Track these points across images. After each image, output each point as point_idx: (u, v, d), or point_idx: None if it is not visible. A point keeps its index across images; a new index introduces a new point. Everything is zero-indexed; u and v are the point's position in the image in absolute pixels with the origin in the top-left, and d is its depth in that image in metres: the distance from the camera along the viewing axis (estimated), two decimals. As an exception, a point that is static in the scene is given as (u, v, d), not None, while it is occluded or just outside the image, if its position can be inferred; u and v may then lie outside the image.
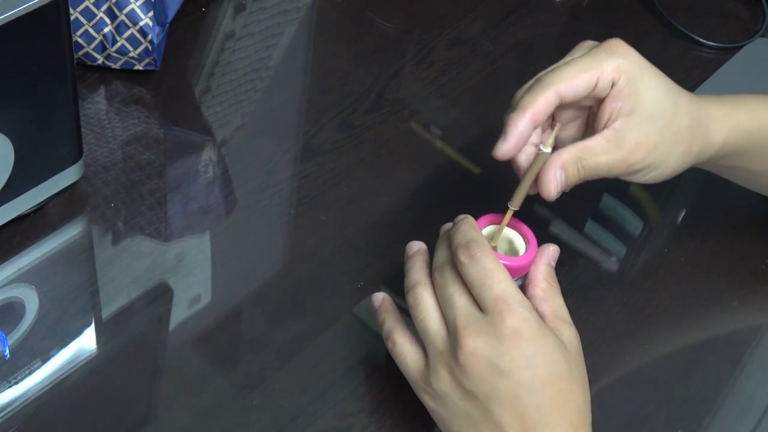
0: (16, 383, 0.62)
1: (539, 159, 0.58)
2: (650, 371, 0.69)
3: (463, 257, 0.56)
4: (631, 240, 0.78)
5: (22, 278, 0.67)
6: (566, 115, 0.62)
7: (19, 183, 0.66)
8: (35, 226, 0.70)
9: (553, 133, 0.58)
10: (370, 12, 0.92)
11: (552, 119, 0.63)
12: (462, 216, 0.60)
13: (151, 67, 0.80)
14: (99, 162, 0.74)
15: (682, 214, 0.81)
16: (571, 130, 0.63)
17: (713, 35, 0.94)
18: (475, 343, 0.54)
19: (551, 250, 0.60)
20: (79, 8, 0.76)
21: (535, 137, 0.61)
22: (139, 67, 0.80)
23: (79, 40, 0.77)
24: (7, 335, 0.63)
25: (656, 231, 0.79)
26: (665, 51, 0.93)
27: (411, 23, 0.92)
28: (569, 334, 0.57)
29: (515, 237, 0.61)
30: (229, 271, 0.70)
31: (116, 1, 0.76)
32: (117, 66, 0.80)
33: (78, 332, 0.65)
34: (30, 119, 0.64)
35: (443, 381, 0.56)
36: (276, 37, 0.89)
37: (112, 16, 0.77)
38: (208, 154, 0.78)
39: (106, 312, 0.66)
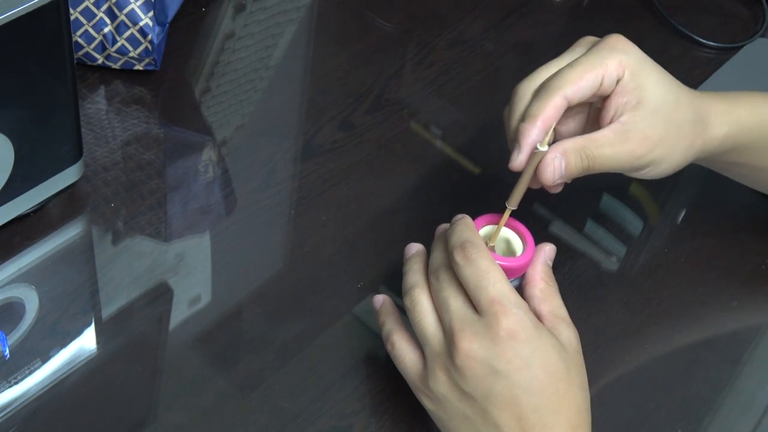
0: (16, 383, 0.62)
1: (536, 157, 0.58)
2: (650, 371, 0.69)
3: (459, 258, 0.56)
4: (631, 240, 0.78)
5: (22, 278, 0.67)
6: (567, 112, 0.62)
7: (19, 183, 0.66)
8: (35, 226, 0.70)
9: (550, 132, 0.58)
10: (370, 12, 0.92)
11: None
12: (459, 216, 0.60)
13: (151, 67, 0.80)
14: (99, 162, 0.74)
15: (682, 214, 0.81)
16: (571, 125, 0.63)
17: (713, 35, 0.94)
18: (470, 345, 0.54)
19: (548, 250, 0.60)
20: (79, 8, 0.76)
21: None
22: (139, 67, 0.80)
23: (79, 40, 0.77)
24: (7, 335, 0.63)
25: (656, 231, 0.79)
26: (665, 51, 0.93)
27: (411, 23, 0.92)
28: (568, 333, 0.57)
29: (513, 237, 0.61)
30: (229, 271, 0.70)
31: (116, 1, 0.76)
32: (117, 66, 0.80)
33: (78, 332, 0.65)
34: (30, 119, 0.64)
35: (441, 383, 0.56)
36: (276, 37, 0.89)
37: (112, 16, 0.77)
38: (208, 154, 0.78)
39: (106, 312, 0.66)
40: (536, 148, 0.57)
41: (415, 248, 0.62)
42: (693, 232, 0.78)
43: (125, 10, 0.76)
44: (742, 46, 0.94)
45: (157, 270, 0.69)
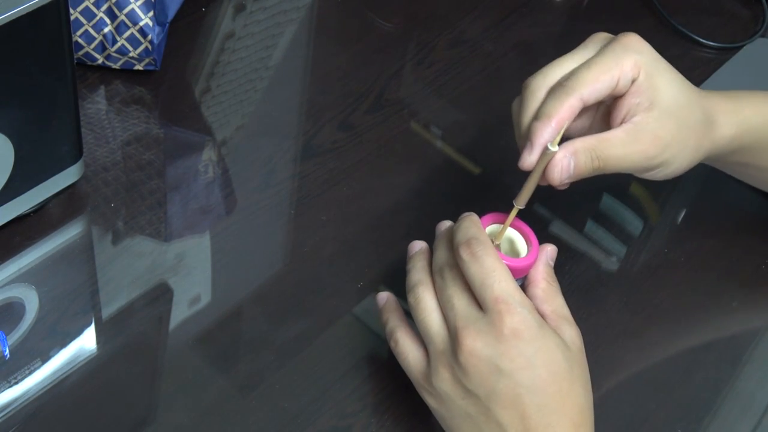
0: (16, 383, 0.62)
1: (546, 157, 0.57)
2: (650, 371, 0.69)
3: (464, 255, 0.56)
4: (631, 240, 0.78)
5: (22, 278, 0.67)
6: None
7: (19, 183, 0.66)
8: (35, 226, 0.70)
9: (561, 132, 0.57)
10: (370, 12, 0.92)
11: None
12: (465, 213, 0.60)
13: (151, 67, 0.80)
14: (99, 162, 0.74)
15: (682, 214, 0.81)
16: (578, 122, 0.63)
17: (713, 35, 0.94)
18: (474, 343, 0.54)
19: (549, 250, 0.60)
20: (79, 8, 0.76)
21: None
22: (139, 67, 0.80)
23: (79, 40, 0.77)
24: (7, 335, 0.63)
25: (656, 231, 0.79)
26: (665, 51, 0.92)
27: (411, 23, 0.92)
28: (571, 333, 0.57)
29: (517, 237, 0.61)
30: (229, 271, 0.70)
31: (116, 1, 0.76)
32: (117, 66, 0.80)
33: (78, 332, 0.65)
34: (30, 119, 0.64)
35: (444, 380, 0.56)
36: (276, 37, 0.89)
37: (112, 16, 0.77)
38: (208, 154, 0.78)
39: (106, 312, 0.66)
40: (547, 148, 0.57)
41: (418, 246, 0.62)
42: (693, 232, 0.78)
43: (125, 10, 0.76)
44: (742, 46, 0.94)
45: (157, 270, 0.69)
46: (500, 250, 0.60)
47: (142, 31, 0.77)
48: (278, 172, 0.77)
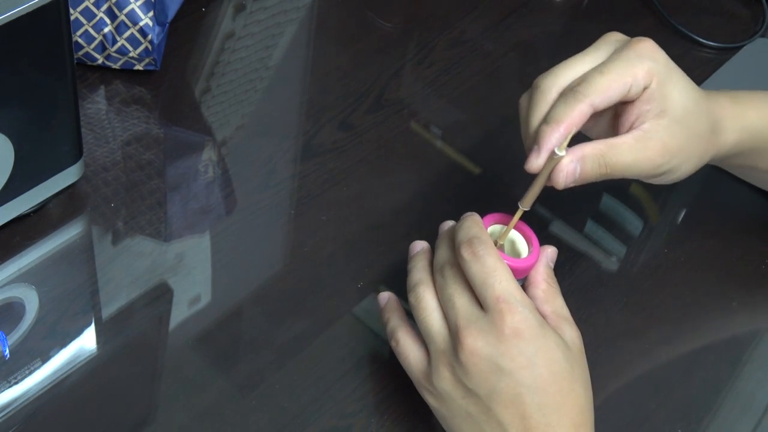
0: (16, 383, 0.62)
1: (552, 161, 0.57)
2: (650, 371, 0.69)
3: (465, 254, 0.56)
4: (631, 240, 0.78)
5: (22, 278, 0.67)
6: None
7: (19, 183, 0.66)
8: (35, 226, 0.70)
9: (568, 137, 0.57)
10: (370, 12, 0.92)
11: None
12: (468, 213, 0.60)
13: (151, 67, 0.80)
14: (99, 162, 0.74)
15: (682, 214, 0.81)
16: (586, 122, 0.63)
17: (713, 35, 0.94)
18: (475, 343, 0.54)
19: (550, 252, 0.61)
20: (79, 8, 0.76)
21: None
22: (139, 67, 0.80)
23: (79, 40, 0.77)
24: (7, 335, 0.63)
25: (656, 231, 0.79)
26: (665, 51, 0.93)
27: (411, 23, 0.92)
28: (571, 333, 0.57)
29: (518, 238, 0.61)
30: (229, 271, 0.70)
31: (116, 1, 0.76)
32: (117, 66, 0.80)
33: (78, 332, 0.65)
34: (30, 119, 0.64)
35: (445, 380, 0.56)
36: (276, 37, 0.89)
37: (112, 16, 0.77)
38: (208, 154, 0.78)
39: (106, 312, 0.66)
40: (554, 153, 0.57)
41: (419, 245, 0.62)
42: (693, 232, 0.78)
43: (125, 10, 0.76)
44: (742, 46, 0.94)
45: (157, 270, 0.69)
46: (502, 250, 0.60)
47: (142, 31, 0.77)
48: (278, 172, 0.77)
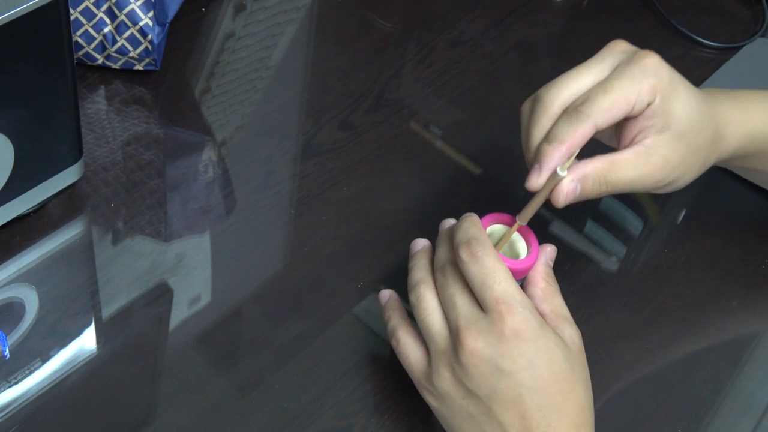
0: (16, 383, 0.62)
1: (553, 180, 0.57)
2: (650, 371, 0.69)
3: (464, 255, 0.56)
4: (631, 240, 0.78)
5: (22, 278, 0.67)
6: None
7: (19, 183, 0.66)
8: (35, 226, 0.70)
9: (571, 158, 0.57)
10: (370, 12, 0.92)
11: None
12: (466, 214, 0.60)
13: (151, 67, 0.80)
14: (99, 162, 0.74)
15: (682, 214, 0.81)
16: None
17: (713, 35, 0.94)
18: (475, 344, 0.54)
19: (549, 251, 0.60)
20: (79, 8, 0.76)
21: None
22: (139, 67, 0.80)
23: (79, 40, 0.77)
24: (7, 335, 0.63)
25: (656, 231, 0.79)
26: (665, 51, 0.92)
27: (411, 23, 0.92)
28: (571, 332, 0.57)
29: (516, 238, 0.61)
30: (229, 271, 0.70)
31: (116, 1, 0.76)
32: (117, 66, 0.80)
33: (78, 332, 0.65)
34: (30, 119, 0.64)
35: (445, 380, 0.56)
36: (276, 37, 0.89)
37: (112, 16, 0.77)
38: (208, 154, 0.78)
39: (106, 312, 0.66)
40: (556, 172, 0.57)
41: (421, 244, 0.62)
42: (693, 232, 0.78)
43: (125, 10, 0.76)
44: (742, 46, 0.94)
45: (157, 270, 0.69)
46: (500, 252, 0.60)
47: (142, 31, 0.77)
48: (278, 172, 0.77)
